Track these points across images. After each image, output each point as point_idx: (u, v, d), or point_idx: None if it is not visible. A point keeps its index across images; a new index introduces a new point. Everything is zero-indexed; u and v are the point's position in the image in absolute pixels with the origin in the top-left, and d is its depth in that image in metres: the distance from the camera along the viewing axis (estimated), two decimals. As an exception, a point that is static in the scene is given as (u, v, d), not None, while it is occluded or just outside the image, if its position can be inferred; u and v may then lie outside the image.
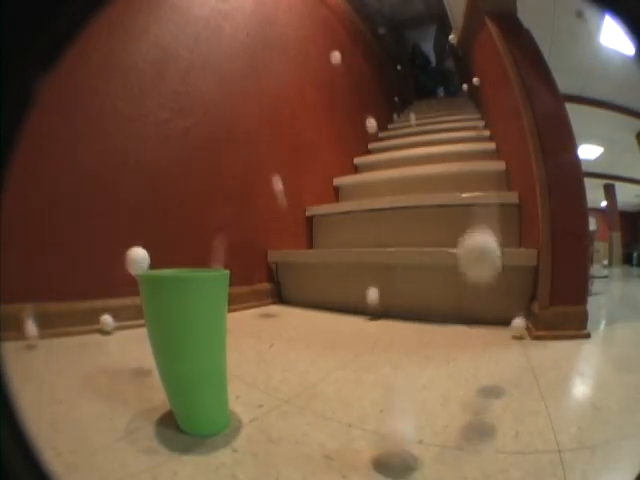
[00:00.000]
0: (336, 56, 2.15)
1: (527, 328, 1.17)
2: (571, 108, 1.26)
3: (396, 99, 3.24)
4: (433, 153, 2.26)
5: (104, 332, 1.08)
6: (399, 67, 3.20)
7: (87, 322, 1.09)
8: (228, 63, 1.63)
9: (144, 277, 0.53)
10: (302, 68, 2.16)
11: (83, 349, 0.95)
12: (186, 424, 0.55)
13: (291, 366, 0.86)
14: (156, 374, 0.55)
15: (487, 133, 2.34)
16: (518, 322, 1.11)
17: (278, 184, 1.86)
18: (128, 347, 0.99)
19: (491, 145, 2.11)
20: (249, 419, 0.59)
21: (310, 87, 2.22)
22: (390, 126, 3.35)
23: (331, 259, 1.63)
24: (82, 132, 1.13)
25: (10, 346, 0.89)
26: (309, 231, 2.06)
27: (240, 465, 0.47)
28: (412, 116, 2.73)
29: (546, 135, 1.20)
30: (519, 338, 1.09)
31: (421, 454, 0.50)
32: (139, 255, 0.74)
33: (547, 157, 1.18)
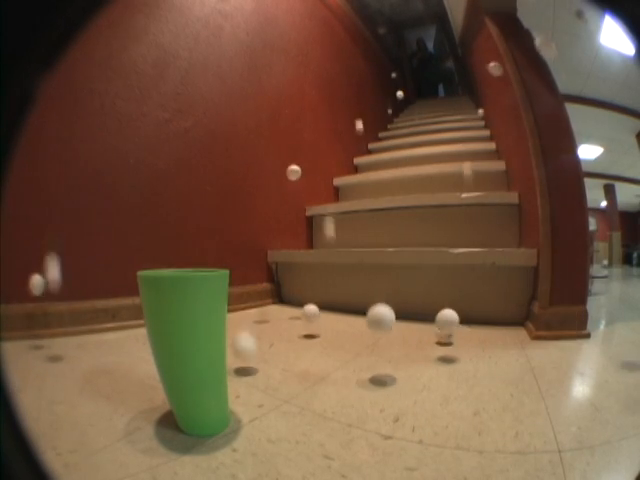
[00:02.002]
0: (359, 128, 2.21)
1: (527, 328, 1.18)
2: (571, 108, 1.26)
3: (390, 111, 3.23)
4: (433, 153, 2.26)
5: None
6: (394, 74, 3.17)
7: (87, 322, 1.09)
8: (228, 63, 1.63)
9: (144, 277, 0.53)
10: (302, 68, 2.16)
11: (83, 349, 0.95)
12: (186, 424, 0.55)
13: (291, 366, 0.86)
14: (156, 374, 0.55)
15: (487, 133, 2.34)
16: (445, 317, 1.03)
17: (278, 184, 1.86)
18: (128, 347, 0.99)
19: (491, 145, 2.11)
20: (249, 419, 0.59)
21: (310, 87, 2.22)
22: (390, 126, 3.36)
23: (331, 259, 1.63)
24: (82, 132, 1.13)
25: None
26: (309, 231, 2.06)
27: (240, 465, 0.47)
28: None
29: (546, 135, 1.20)
30: (445, 344, 1.02)
31: (421, 454, 0.50)
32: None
33: (547, 157, 1.18)
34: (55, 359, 0.87)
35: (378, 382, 0.77)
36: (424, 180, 1.98)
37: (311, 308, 1.13)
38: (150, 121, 1.31)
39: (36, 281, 0.90)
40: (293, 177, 1.35)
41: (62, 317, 1.05)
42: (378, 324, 0.77)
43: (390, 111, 3.37)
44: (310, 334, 1.15)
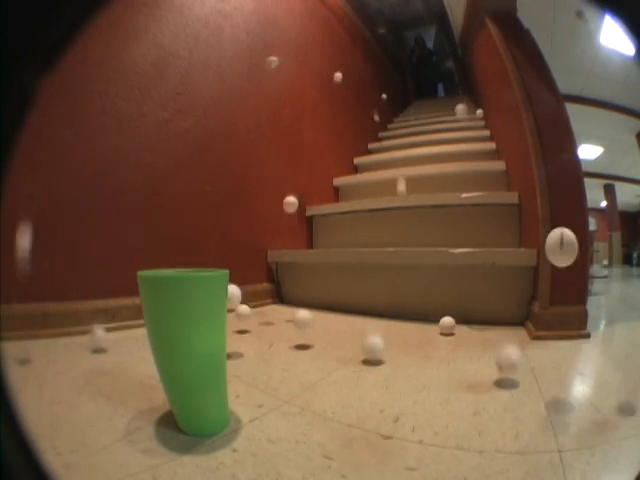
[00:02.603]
0: (338, 76, 2.20)
1: (527, 328, 1.18)
2: (571, 108, 1.26)
3: (384, 95, 3.15)
4: (433, 153, 2.26)
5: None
6: (384, 96, 3.11)
7: (87, 322, 1.09)
8: (228, 63, 1.63)
9: (144, 277, 0.53)
10: (302, 68, 2.16)
11: (83, 349, 0.95)
12: (186, 424, 0.55)
13: (291, 366, 0.86)
14: (156, 374, 0.55)
15: (487, 133, 2.34)
16: (447, 320, 1.16)
17: (278, 184, 1.86)
18: (128, 347, 0.99)
19: (491, 145, 2.11)
20: (249, 419, 0.59)
21: (310, 87, 2.22)
22: (390, 126, 3.36)
23: (331, 259, 1.63)
24: (82, 132, 1.13)
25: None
26: (309, 231, 2.06)
27: (240, 465, 0.47)
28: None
29: (546, 135, 1.20)
30: (447, 335, 1.14)
31: (421, 454, 0.50)
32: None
33: (547, 157, 1.18)
34: (54, 359, 0.87)
35: (378, 382, 0.77)
36: (424, 180, 1.98)
37: (303, 314, 1.07)
38: (150, 121, 1.31)
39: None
40: (290, 209, 1.38)
41: (62, 317, 1.05)
42: (370, 353, 0.91)
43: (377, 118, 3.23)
44: (310, 334, 1.15)
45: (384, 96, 2.98)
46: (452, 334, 1.14)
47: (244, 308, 1.16)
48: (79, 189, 1.13)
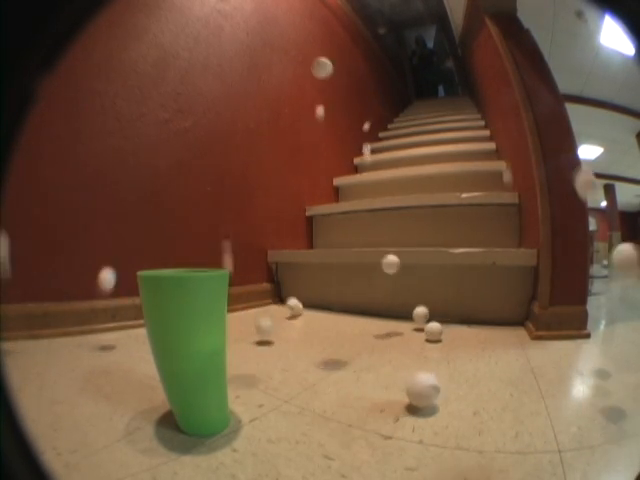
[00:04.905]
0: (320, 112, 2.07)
1: (527, 328, 1.18)
2: (571, 108, 1.26)
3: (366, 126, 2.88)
4: (433, 153, 2.26)
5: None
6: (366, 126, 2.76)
7: (87, 322, 1.09)
8: (228, 63, 1.63)
9: (144, 277, 0.53)
10: (302, 68, 2.16)
11: (83, 349, 0.95)
12: (186, 424, 0.55)
13: (291, 366, 0.86)
14: (156, 374, 0.55)
15: (487, 133, 2.34)
16: (433, 326, 1.08)
17: (278, 184, 1.86)
18: (128, 347, 0.99)
19: (491, 145, 2.11)
20: (249, 419, 0.59)
21: (310, 87, 2.22)
22: (390, 126, 3.36)
23: (331, 259, 1.63)
24: (82, 132, 1.13)
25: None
26: (309, 231, 2.06)
27: (240, 465, 0.47)
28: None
29: (546, 135, 1.20)
30: (434, 341, 1.06)
31: (421, 454, 0.50)
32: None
33: (547, 157, 1.18)
34: (54, 359, 0.87)
35: (378, 382, 0.77)
36: (424, 180, 1.98)
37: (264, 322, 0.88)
38: (150, 121, 1.31)
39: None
40: (390, 270, 1.15)
41: (62, 317, 1.05)
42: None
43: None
44: (311, 335, 1.15)
45: (366, 126, 2.81)
46: (439, 341, 1.06)
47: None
48: (79, 189, 1.13)
